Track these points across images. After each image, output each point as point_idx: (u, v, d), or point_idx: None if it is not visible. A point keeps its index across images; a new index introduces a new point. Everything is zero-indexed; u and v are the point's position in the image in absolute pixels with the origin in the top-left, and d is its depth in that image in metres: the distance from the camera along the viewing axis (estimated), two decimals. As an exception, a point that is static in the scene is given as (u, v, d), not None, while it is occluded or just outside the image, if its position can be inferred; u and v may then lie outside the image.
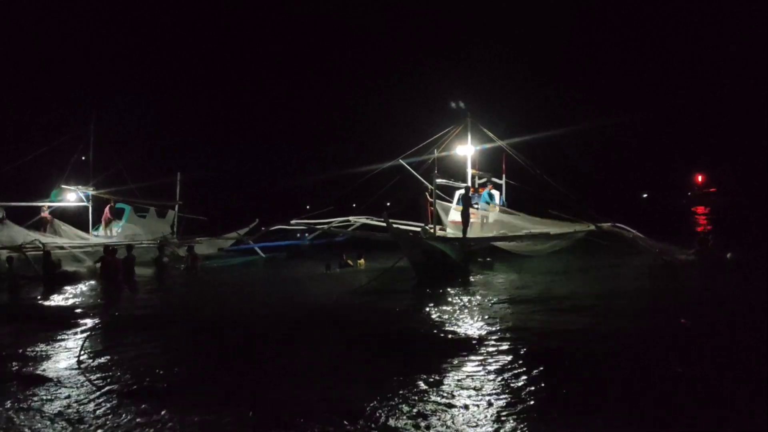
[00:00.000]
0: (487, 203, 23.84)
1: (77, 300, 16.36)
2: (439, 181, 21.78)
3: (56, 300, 16.49)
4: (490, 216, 23.59)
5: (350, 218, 25.03)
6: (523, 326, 11.04)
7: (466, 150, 23.43)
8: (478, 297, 14.83)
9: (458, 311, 12.93)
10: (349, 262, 23.88)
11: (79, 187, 26.30)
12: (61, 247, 22.09)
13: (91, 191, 26.45)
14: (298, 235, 28.33)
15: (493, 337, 10.25)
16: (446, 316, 12.38)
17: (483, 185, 24.81)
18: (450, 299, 14.70)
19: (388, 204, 27.59)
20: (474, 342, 10.03)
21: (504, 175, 25.82)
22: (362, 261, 24.11)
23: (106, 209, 26.50)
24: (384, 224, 20.16)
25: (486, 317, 12.09)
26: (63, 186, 25.90)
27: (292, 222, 23.65)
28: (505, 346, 9.62)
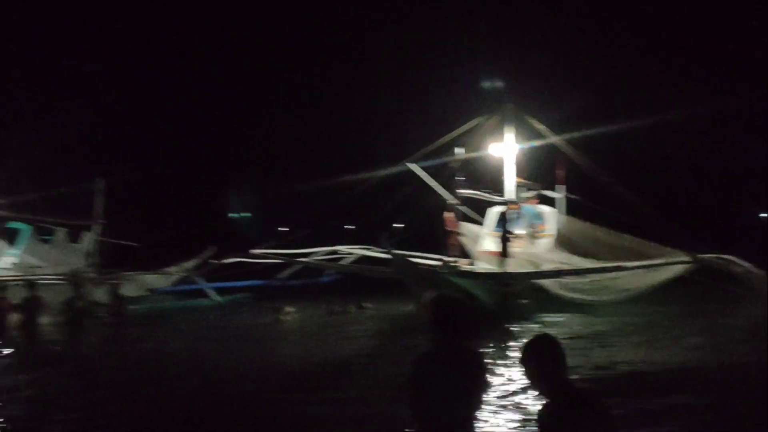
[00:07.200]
0: (533, 225, 23.24)
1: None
2: (465, 192, 21.27)
3: None
4: (540, 243, 23.16)
5: (339, 248, 24.77)
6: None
7: (503, 149, 22.81)
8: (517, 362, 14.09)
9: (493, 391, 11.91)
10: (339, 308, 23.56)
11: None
12: None
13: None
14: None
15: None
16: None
17: (530, 199, 24.17)
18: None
19: (401, 226, 27.32)
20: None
21: (563, 186, 25.15)
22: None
23: None
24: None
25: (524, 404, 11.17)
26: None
27: (254, 252, 23.25)
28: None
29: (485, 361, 5.15)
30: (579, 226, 23.33)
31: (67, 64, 68.83)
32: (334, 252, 24.60)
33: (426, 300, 4.96)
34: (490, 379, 11.06)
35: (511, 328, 18.53)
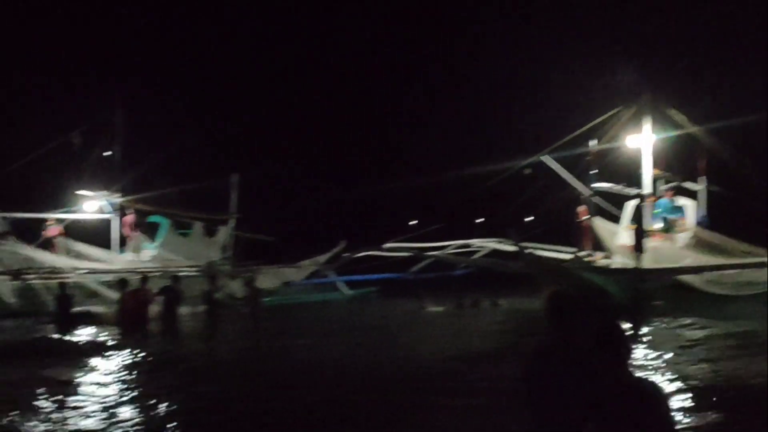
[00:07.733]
0: (666, 218, 22.48)
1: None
2: (599, 185, 20.84)
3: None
4: (678, 237, 22.46)
5: (472, 241, 24.55)
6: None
7: (640, 141, 22.24)
8: (656, 363, 13.99)
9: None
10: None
11: (103, 192, 26.96)
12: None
13: (117, 199, 27.05)
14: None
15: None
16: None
17: (667, 192, 23.41)
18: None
19: (531, 219, 27.00)
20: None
21: (704, 177, 24.31)
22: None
23: (126, 220, 27.16)
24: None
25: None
26: (80, 192, 26.66)
27: (386, 246, 23.33)
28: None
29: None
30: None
31: (207, 63, 71.03)
32: (467, 245, 24.39)
33: (543, 296, 4.93)
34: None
35: (641, 328, 17.91)
